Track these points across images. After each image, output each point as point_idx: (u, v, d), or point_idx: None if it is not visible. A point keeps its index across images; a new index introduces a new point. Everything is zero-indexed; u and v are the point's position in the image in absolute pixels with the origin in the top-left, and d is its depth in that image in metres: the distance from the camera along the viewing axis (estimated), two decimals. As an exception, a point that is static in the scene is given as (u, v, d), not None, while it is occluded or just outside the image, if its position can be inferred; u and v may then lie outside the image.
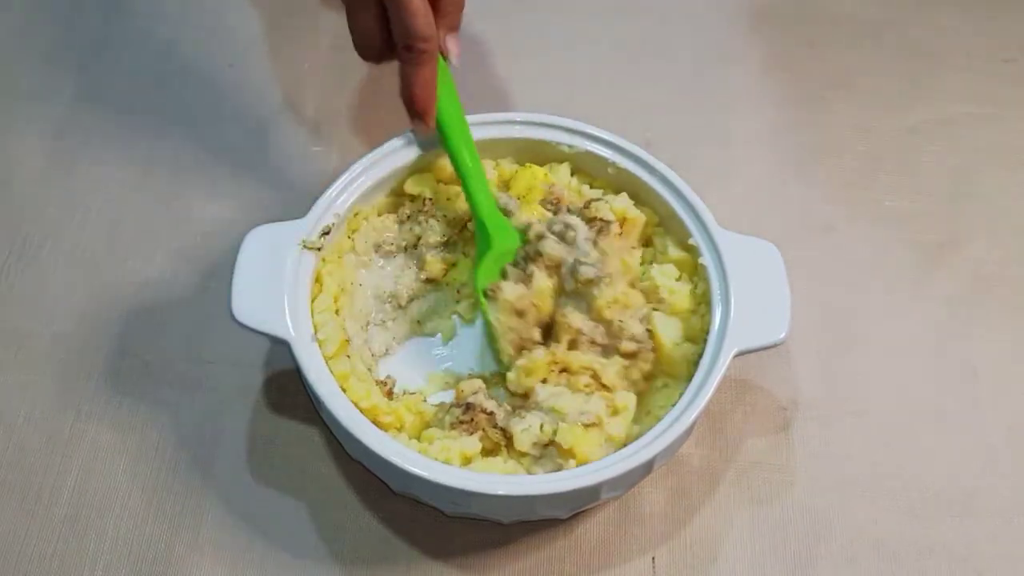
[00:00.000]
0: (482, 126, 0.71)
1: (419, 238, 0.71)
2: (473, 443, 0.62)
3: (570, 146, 0.71)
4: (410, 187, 0.71)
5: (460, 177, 0.69)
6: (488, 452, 0.64)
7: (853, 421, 0.69)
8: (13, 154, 0.80)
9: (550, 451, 0.63)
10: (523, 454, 0.63)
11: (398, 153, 0.70)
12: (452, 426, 0.64)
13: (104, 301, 0.73)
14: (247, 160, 0.80)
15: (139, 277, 0.74)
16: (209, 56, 0.86)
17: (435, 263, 0.71)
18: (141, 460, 0.67)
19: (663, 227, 0.71)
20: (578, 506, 0.64)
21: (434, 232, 0.70)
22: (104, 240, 0.76)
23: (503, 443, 0.64)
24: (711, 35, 0.88)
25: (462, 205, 0.71)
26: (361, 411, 0.62)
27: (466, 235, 0.72)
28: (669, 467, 0.67)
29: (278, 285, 0.64)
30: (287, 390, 0.70)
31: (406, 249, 0.71)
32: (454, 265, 0.72)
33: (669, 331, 0.66)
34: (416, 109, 0.67)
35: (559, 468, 0.62)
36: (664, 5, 0.90)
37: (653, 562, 0.64)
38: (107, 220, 0.77)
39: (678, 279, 0.68)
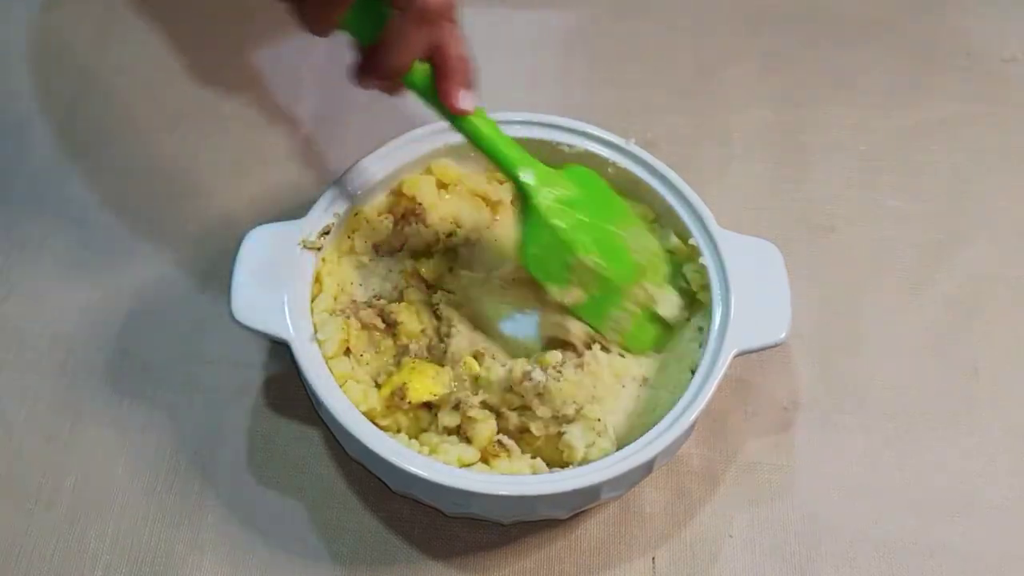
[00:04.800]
0: None
1: (407, 239, 0.70)
2: (471, 452, 0.62)
3: (570, 146, 0.71)
4: (406, 188, 0.71)
5: (472, 136, 0.64)
6: (492, 456, 0.63)
7: (853, 421, 0.69)
8: (13, 154, 0.80)
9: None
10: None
11: (398, 153, 0.70)
12: (447, 431, 0.64)
13: (104, 301, 0.73)
14: (247, 160, 0.80)
15: (139, 277, 0.74)
16: (209, 55, 0.86)
17: (420, 268, 0.70)
18: (141, 460, 0.67)
19: (658, 222, 0.71)
20: (578, 506, 0.64)
21: (420, 238, 0.70)
22: (104, 240, 0.76)
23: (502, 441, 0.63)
24: (711, 35, 0.88)
25: (450, 211, 0.71)
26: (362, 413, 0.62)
27: (452, 242, 0.71)
28: (669, 467, 0.67)
29: (278, 285, 0.64)
30: (287, 390, 0.70)
31: (401, 249, 0.71)
32: (444, 272, 0.71)
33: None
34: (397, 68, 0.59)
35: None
36: (664, 5, 0.90)
37: (653, 562, 0.65)
38: (107, 220, 0.77)
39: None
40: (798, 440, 0.69)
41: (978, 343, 0.73)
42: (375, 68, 0.60)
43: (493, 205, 0.73)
